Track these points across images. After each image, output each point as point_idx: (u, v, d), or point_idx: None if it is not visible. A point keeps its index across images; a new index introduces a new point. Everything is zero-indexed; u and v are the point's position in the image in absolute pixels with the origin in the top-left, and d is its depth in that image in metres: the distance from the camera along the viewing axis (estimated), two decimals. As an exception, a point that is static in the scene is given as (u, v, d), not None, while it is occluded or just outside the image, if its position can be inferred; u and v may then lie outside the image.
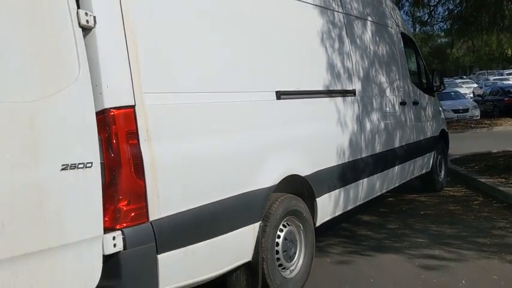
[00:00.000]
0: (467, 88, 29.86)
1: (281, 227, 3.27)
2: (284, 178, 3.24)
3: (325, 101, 3.91)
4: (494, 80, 33.21)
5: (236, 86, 2.98)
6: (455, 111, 17.86)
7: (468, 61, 20.28)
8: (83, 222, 2.06)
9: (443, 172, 6.82)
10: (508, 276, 3.59)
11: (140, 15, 2.37)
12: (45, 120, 1.92)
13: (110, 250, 2.15)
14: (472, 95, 26.76)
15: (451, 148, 7.80)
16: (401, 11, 8.47)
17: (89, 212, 2.08)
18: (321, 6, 3.98)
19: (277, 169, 3.21)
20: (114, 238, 2.16)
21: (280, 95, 3.31)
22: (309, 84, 3.76)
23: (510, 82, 27.91)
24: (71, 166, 1.98)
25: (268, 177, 3.11)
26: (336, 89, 4.04)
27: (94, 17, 2.15)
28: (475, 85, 32.29)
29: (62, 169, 1.96)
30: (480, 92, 26.02)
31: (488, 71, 38.69)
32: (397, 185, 5.34)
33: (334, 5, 4.20)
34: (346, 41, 4.31)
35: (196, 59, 2.71)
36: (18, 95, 1.85)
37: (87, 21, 2.12)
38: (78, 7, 2.11)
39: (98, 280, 2.12)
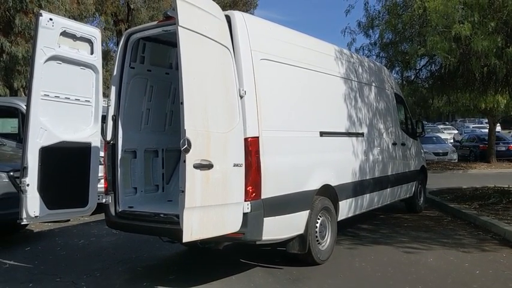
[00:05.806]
0: (448, 134, 32.06)
1: (319, 216, 5.24)
2: (322, 185, 5.26)
3: (346, 139, 6.01)
4: (473, 127, 35.80)
5: (301, 128, 5.06)
6: (436, 154, 19.82)
7: (448, 111, 22.74)
8: (242, 193, 4.06)
9: (422, 198, 8.91)
10: (460, 257, 5.61)
11: (262, 91, 4.43)
12: (229, 141, 3.96)
13: (245, 210, 4.14)
14: (452, 140, 28.86)
15: (430, 183, 9.90)
16: (393, 71, 10.58)
17: (242, 189, 4.08)
18: (345, 78, 6.14)
19: (319, 179, 5.23)
20: (247, 205, 4.15)
21: (322, 134, 5.38)
22: (337, 128, 5.85)
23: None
24: (236, 164, 4.00)
25: (314, 184, 5.13)
26: (352, 131, 6.15)
27: (245, 91, 4.22)
28: (456, 131, 34.71)
29: (233, 165, 3.98)
30: (460, 137, 28.17)
31: (469, 118, 41.11)
32: (388, 202, 7.38)
33: (352, 76, 6.36)
34: (359, 100, 6.45)
35: (283, 113, 4.79)
36: (222, 129, 3.89)
37: (242, 93, 4.18)
38: (239, 86, 4.19)
39: (240, 225, 4.08)
